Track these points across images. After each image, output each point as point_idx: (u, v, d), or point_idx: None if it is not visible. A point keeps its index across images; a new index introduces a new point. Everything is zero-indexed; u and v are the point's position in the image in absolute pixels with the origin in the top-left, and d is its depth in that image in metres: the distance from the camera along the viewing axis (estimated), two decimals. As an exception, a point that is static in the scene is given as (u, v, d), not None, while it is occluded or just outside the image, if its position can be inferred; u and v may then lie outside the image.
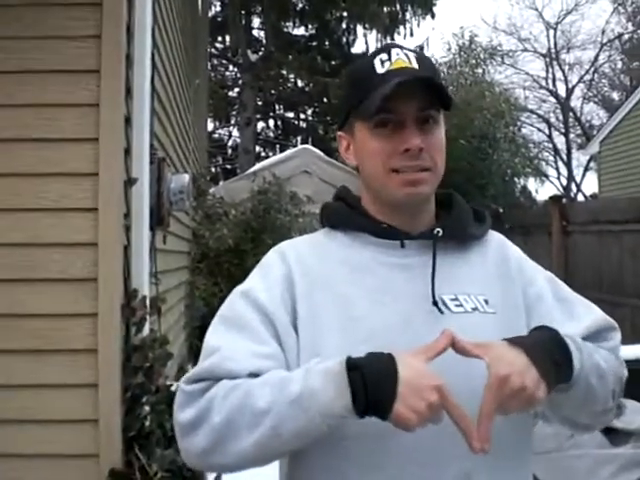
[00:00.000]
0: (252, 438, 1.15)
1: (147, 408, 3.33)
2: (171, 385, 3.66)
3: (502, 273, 1.36)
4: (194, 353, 6.72)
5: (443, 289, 1.30)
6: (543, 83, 26.20)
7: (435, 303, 1.28)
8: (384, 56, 1.32)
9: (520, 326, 1.31)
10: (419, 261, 1.32)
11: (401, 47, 1.35)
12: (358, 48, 21.28)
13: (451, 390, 1.12)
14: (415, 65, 1.31)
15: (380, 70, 1.31)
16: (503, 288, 1.34)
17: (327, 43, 21.28)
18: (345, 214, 1.39)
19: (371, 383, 1.11)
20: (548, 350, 1.17)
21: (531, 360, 1.14)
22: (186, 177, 4.15)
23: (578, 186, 25.08)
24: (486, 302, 1.31)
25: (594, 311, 1.38)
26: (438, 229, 1.33)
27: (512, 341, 1.17)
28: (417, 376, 1.11)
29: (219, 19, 20.77)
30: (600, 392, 1.24)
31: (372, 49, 20.12)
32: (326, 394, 1.12)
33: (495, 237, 1.42)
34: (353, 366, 1.13)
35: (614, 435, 3.90)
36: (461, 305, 1.29)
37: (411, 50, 1.35)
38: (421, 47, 21.00)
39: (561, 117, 25.92)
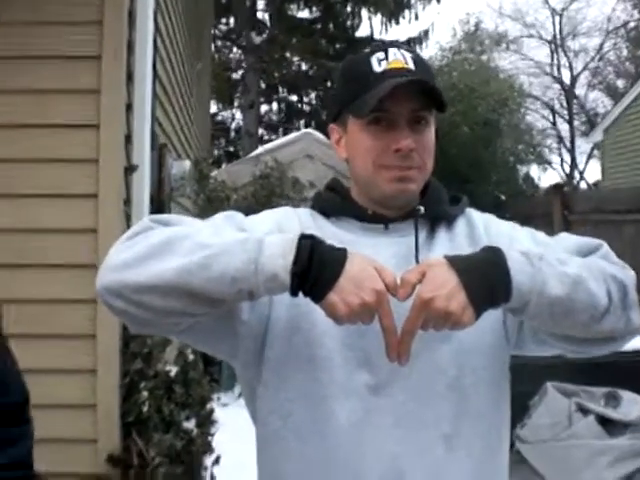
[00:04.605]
0: (180, 261, 1.14)
1: (145, 393, 3.35)
2: (170, 371, 3.68)
3: (472, 241, 1.38)
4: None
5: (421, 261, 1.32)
6: (548, 70, 26.07)
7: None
8: (381, 55, 1.34)
9: None
10: (401, 240, 1.35)
11: (398, 46, 1.37)
12: (362, 32, 21.16)
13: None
14: (411, 66, 1.33)
15: (377, 69, 1.32)
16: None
17: (331, 26, 21.10)
18: (333, 201, 1.42)
19: (317, 258, 1.13)
20: (484, 272, 1.16)
21: (462, 283, 1.14)
22: (187, 163, 4.16)
23: (581, 174, 25.01)
24: None
25: (574, 238, 1.37)
26: (420, 207, 1.37)
27: (451, 260, 1.17)
28: (362, 275, 1.13)
29: (223, 1, 20.65)
30: (580, 298, 1.19)
31: (377, 34, 20.09)
32: (272, 248, 1.13)
33: (465, 213, 1.44)
34: (308, 237, 1.16)
35: (611, 426, 3.92)
36: None
37: (408, 50, 1.37)
38: (426, 32, 20.90)
39: (565, 104, 25.80)
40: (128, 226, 3.29)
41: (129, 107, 3.31)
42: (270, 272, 1.13)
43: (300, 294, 1.16)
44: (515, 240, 1.37)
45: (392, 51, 1.34)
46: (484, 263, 1.17)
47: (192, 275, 1.13)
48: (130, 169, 3.29)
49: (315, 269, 1.13)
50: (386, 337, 1.16)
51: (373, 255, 1.22)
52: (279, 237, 1.17)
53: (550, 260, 1.20)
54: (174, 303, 1.16)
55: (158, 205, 3.80)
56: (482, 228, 1.40)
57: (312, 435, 1.27)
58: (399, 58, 1.33)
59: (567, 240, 1.37)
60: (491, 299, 1.16)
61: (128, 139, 3.30)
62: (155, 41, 3.75)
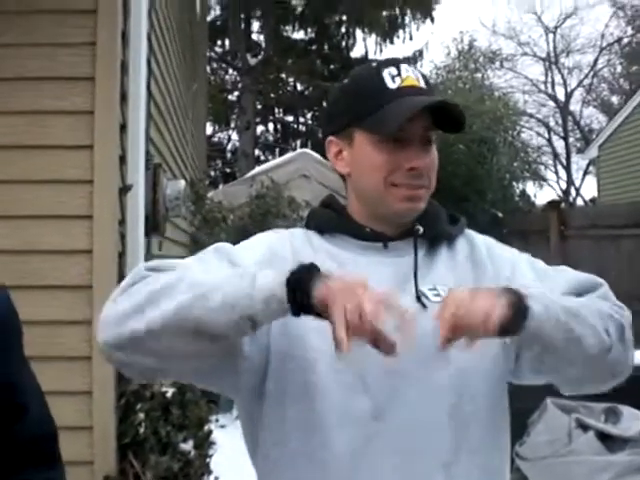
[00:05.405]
0: (177, 301, 1.14)
1: (142, 415, 3.33)
2: (166, 392, 3.66)
3: (473, 262, 1.37)
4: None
5: (421, 281, 1.31)
6: (542, 87, 26.17)
7: (419, 299, 1.29)
8: (393, 70, 1.32)
9: None
10: (400, 260, 1.33)
11: (407, 62, 1.36)
12: (357, 52, 21.31)
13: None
14: (422, 84, 1.33)
15: (391, 85, 1.30)
16: (476, 276, 1.35)
17: (326, 47, 21.28)
18: (330, 219, 1.40)
19: (311, 271, 1.13)
20: (508, 300, 1.14)
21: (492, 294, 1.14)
22: (182, 183, 4.15)
23: (577, 190, 25.06)
24: None
25: (575, 273, 1.38)
26: (418, 227, 1.35)
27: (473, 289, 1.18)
28: (351, 283, 1.12)
29: (218, 23, 20.77)
30: (581, 331, 1.20)
31: (371, 55, 20.21)
32: (266, 276, 1.14)
33: (464, 233, 1.43)
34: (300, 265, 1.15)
35: (611, 442, 3.89)
36: (439, 295, 1.29)
37: (414, 66, 1.37)
38: (420, 51, 21.03)
39: (560, 121, 25.89)
40: (123, 246, 3.28)
41: (123, 127, 3.31)
42: (268, 292, 1.12)
43: (299, 314, 1.14)
44: (517, 269, 1.37)
45: (404, 67, 1.33)
46: (507, 294, 1.15)
47: (191, 308, 1.13)
48: (124, 189, 3.29)
49: (308, 279, 1.11)
50: (338, 328, 1.09)
51: (371, 274, 1.21)
52: (272, 272, 1.16)
53: (551, 298, 1.21)
54: (175, 343, 1.16)
55: (153, 225, 3.80)
56: (485, 251, 1.39)
57: (310, 465, 1.25)
58: (411, 75, 1.32)
59: (568, 273, 1.37)
60: (510, 323, 1.13)
61: (122, 159, 3.30)
62: (149, 61, 3.77)
